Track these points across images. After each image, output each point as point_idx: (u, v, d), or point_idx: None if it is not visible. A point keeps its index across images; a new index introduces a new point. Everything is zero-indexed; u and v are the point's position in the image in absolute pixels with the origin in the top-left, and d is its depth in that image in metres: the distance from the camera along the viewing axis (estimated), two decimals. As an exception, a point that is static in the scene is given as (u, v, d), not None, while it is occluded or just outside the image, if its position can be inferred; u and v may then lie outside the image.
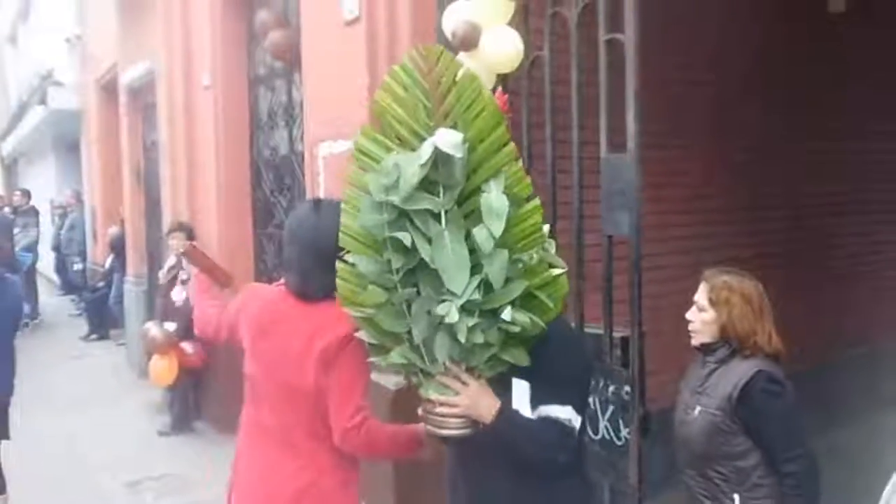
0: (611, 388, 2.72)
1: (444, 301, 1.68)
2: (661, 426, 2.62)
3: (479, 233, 1.67)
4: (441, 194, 1.70)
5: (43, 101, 11.48)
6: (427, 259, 1.68)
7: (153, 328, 5.57)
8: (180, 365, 5.57)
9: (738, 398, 2.31)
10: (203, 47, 5.79)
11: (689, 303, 2.47)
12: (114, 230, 8.99)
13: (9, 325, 3.89)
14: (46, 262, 12.86)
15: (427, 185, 1.69)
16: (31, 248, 11.31)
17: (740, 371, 2.36)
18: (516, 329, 1.73)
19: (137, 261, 8.08)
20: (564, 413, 1.87)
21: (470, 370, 1.80)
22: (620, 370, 2.69)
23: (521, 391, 1.89)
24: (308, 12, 4.18)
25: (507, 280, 1.70)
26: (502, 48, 2.97)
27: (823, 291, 4.73)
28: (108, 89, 9.05)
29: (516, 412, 1.86)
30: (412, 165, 1.67)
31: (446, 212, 1.70)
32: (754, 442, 2.34)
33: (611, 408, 2.72)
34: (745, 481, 2.34)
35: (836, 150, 4.91)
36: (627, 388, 2.64)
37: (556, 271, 1.83)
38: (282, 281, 2.26)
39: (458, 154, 1.65)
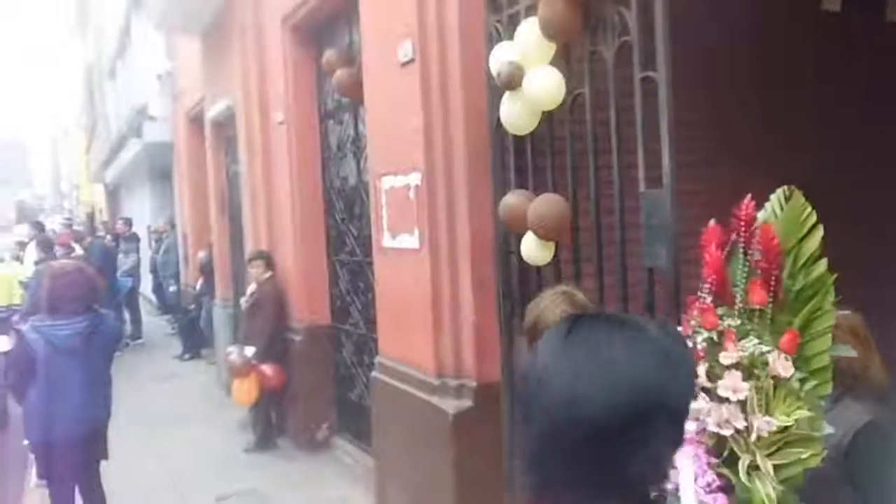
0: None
1: None
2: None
3: None
4: None
5: (138, 134, 12.24)
6: None
7: (234, 352, 5.91)
8: (260, 386, 5.89)
9: (847, 449, 2.16)
10: (276, 85, 6.14)
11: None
12: (202, 255, 9.51)
13: (105, 357, 4.24)
14: (145, 283, 13.66)
15: None
16: (133, 272, 12.08)
17: (850, 418, 2.20)
18: None
19: (224, 285, 8.55)
20: None
21: None
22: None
23: None
24: (369, 53, 4.41)
25: None
26: (544, 87, 3.08)
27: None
28: (196, 123, 9.61)
29: None
30: None
31: None
32: (862, 496, 2.19)
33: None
34: None
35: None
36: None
37: None
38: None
39: None
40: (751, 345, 1.86)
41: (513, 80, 3.12)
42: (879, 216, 4.47)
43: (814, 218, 1.98)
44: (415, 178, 3.88)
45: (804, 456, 1.82)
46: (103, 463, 4.37)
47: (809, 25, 4.36)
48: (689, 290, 2.77)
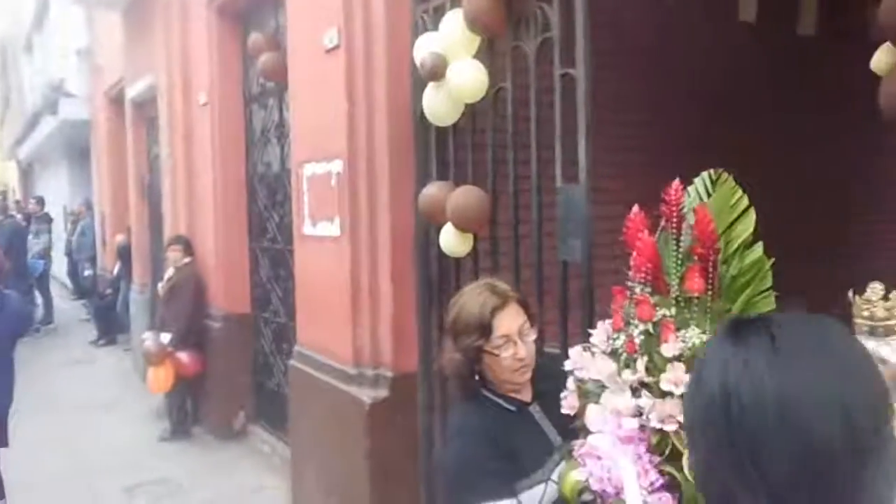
0: (566, 406, 2.84)
1: None
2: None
3: None
4: None
5: (54, 111, 11.74)
6: None
7: (149, 339, 5.76)
8: (176, 374, 5.76)
9: None
10: (200, 66, 5.98)
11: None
12: (121, 238, 9.21)
13: (7, 340, 4.05)
14: (61, 266, 13.14)
15: None
16: (44, 254, 11.61)
17: None
18: None
19: (142, 270, 8.30)
20: None
21: None
22: (574, 389, 2.82)
23: None
24: (294, 38, 4.35)
25: None
26: (467, 79, 3.10)
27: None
28: (116, 102, 9.27)
29: None
30: None
31: None
32: None
33: (566, 425, 2.85)
34: None
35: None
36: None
37: None
38: None
39: None
40: (693, 335, 1.76)
41: (436, 71, 3.12)
42: (798, 219, 4.68)
43: (745, 201, 1.91)
44: (337, 166, 3.85)
45: None
46: (4, 451, 4.19)
47: (729, 33, 4.50)
48: (602, 286, 2.85)
